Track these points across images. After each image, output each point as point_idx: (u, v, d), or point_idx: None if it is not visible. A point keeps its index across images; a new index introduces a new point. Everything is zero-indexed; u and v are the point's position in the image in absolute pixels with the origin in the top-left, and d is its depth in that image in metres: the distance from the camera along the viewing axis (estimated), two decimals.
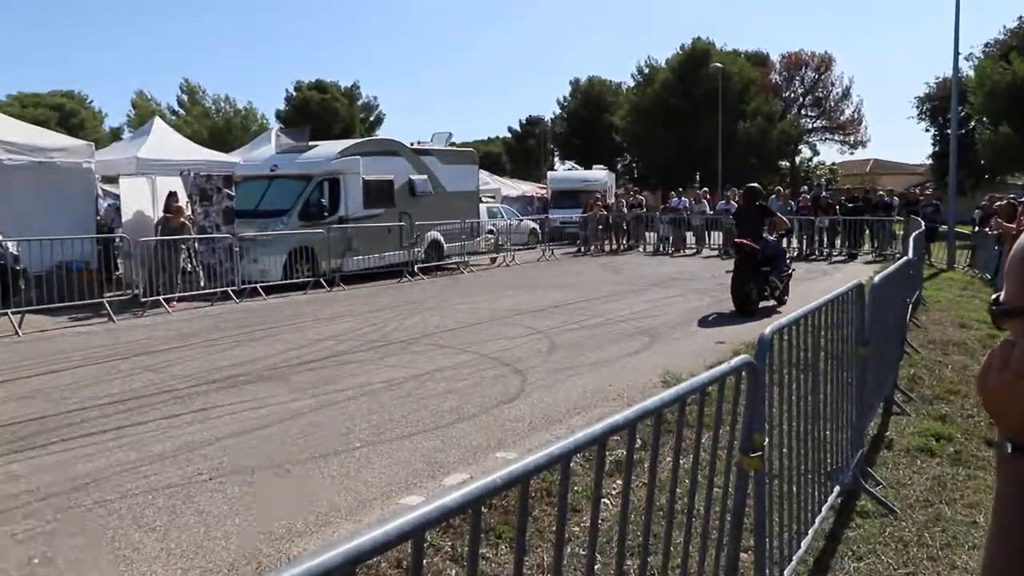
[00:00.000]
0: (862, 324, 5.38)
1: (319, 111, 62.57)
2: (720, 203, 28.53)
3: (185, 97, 61.32)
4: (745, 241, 13.24)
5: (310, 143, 19.83)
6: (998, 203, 17.99)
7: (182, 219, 15.78)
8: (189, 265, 16.38)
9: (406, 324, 12.58)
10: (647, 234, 28.68)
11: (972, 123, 42.61)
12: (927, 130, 53.26)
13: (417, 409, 7.46)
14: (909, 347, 9.50)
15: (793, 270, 14.76)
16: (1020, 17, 47.10)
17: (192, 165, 17.93)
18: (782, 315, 4.34)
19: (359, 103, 71.25)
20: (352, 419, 7.17)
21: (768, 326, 3.63)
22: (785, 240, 15.03)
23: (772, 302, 13.76)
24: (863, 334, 5.38)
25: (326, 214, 18.33)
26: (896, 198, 26.45)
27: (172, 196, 15.90)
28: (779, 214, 14.46)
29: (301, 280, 17.42)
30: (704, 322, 12.34)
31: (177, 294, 14.95)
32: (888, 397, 7.03)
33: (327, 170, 18.62)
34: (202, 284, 16.00)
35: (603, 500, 4.74)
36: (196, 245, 16.18)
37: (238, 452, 6.31)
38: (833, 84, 65.62)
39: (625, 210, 28.86)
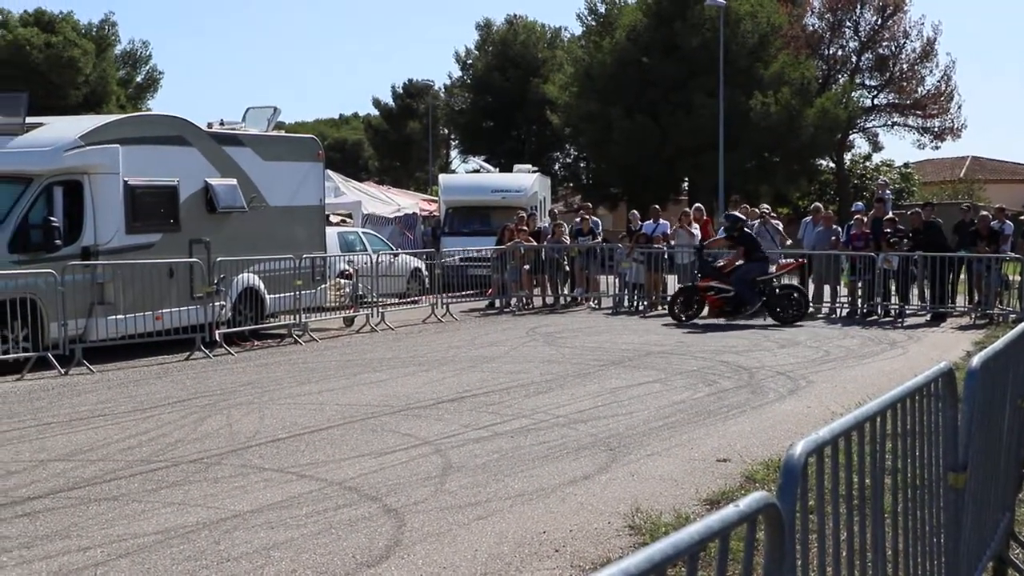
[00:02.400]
0: (954, 435, 5.51)
1: (43, 64, 61.75)
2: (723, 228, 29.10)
3: None
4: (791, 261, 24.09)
5: (28, 120, 19.53)
6: None
7: None
8: None
9: (201, 431, 12.35)
10: (603, 280, 28.99)
11: None
12: None
13: None
14: None
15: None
16: None
17: None
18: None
19: (115, 53, 70.68)
20: None
21: (799, 443, 3.70)
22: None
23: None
24: (956, 452, 5.51)
25: (58, 242, 18.03)
26: (1009, 222, 27.32)
27: None
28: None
29: (12, 356, 17.12)
30: (697, 420, 12.46)
31: None
32: (1000, 554, 7.19)
33: (60, 167, 18.36)
34: None
35: None
36: None
37: None
38: (907, 35, 67.95)
39: (567, 240, 29.16)
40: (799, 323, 23.37)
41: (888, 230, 25.83)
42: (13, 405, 14.44)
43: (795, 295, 24.37)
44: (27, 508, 9.17)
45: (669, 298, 25.33)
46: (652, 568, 2.65)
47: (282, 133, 25.86)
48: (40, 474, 10.39)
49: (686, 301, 24.15)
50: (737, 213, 26.04)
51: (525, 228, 28.90)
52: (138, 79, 72.88)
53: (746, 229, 24.54)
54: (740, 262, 23.50)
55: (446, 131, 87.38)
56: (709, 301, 23.78)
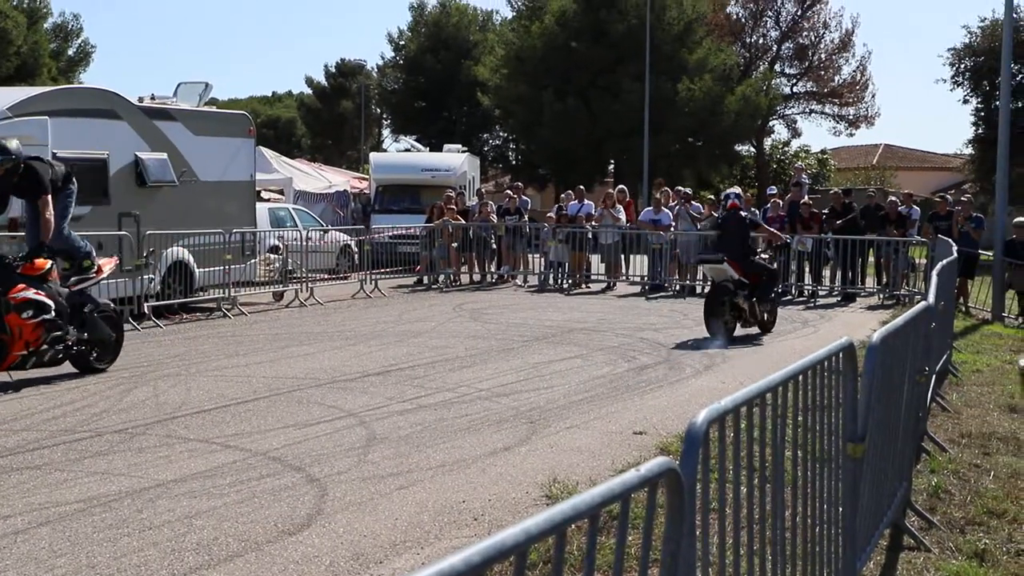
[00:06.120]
0: (854, 408, 5.61)
1: None
2: (645, 210, 29.25)
3: None
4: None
5: None
6: None
7: None
8: None
9: (126, 402, 12.26)
10: (530, 258, 29.04)
11: None
12: (965, 101, 56.20)
13: (139, 547, 7.28)
14: (930, 443, 9.95)
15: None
16: None
17: None
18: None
19: (47, 26, 69.51)
20: (20, 567, 6.92)
21: (702, 412, 3.76)
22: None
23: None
24: (855, 423, 5.61)
25: None
26: (916, 207, 27.81)
27: None
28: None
29: None
30: (616, 395, 12.57)
31: None
32: (896, 522, 7.34)
33: None
34: None
35: None
36: None
37: None
38: (826, 26, 69.01)
39: (494, 219, 29.16)
40: None
41: (829, 208, 26.23)
42: None
43: None
44: None
45: None
46: (552, 528, 2.68)
47: (214, 109, 25.60)
48: None
49: None
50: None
51: (453, 207, 28.83)
52: (70, 52, 71.62)
53: None
54: None
55: (378, 111, 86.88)
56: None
